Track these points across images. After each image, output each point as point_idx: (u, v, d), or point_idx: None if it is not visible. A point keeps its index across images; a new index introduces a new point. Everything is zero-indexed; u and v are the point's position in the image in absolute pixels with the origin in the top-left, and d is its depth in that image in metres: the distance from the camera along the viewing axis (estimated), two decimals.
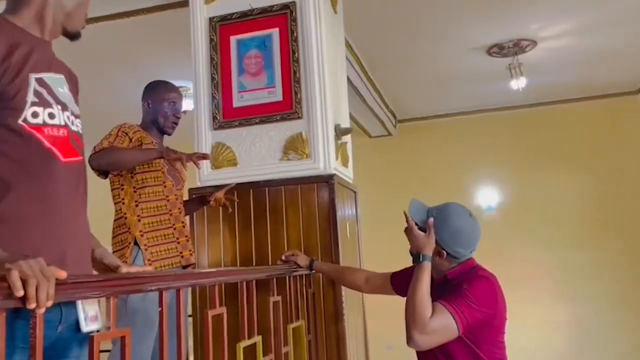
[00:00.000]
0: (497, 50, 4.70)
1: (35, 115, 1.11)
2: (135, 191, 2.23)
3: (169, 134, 2.48)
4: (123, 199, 2.24)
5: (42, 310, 0.82)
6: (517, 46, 4.63)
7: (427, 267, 1.77)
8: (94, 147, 2.19)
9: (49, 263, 1.07)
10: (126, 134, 2.26)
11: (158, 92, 2.46)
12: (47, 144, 1.12)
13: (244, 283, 1.70)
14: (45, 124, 1.12)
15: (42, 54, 1.19)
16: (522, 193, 6.33)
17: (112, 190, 2.30)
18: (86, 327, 1.14)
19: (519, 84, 4.90)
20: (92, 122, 4.62)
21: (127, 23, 3.47)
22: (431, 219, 1.81)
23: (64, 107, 1.19)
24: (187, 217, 2.47)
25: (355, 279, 2.23)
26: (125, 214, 2.21)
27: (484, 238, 6.01)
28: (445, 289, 1.80)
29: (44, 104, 1.13)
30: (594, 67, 5.24)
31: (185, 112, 3.08)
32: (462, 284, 1.75)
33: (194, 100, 2.80)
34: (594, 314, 5.92)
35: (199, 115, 2.72)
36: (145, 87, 2.53)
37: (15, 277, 0.78)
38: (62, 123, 1.16)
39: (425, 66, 5.12)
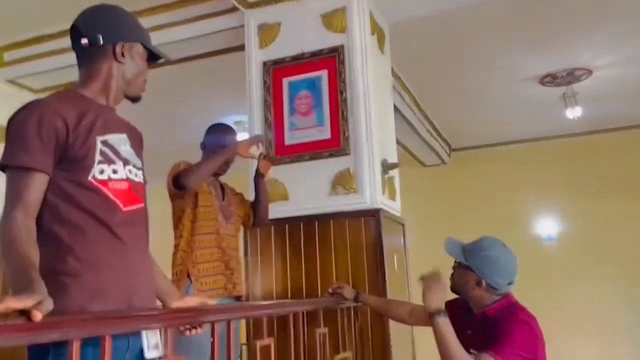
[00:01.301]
0: (551, 79, 4.68)
1: (101, 172, 1.30)
2: (193, 225, 2.41)
3: (221, 175, 2.63)
4: (182, 232, 2.41)
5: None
6: (571, 75, 4.59)
7: (442, 323, 1.82)
8: (171, 173, 2.38)
9: (119, 297, 1.24)
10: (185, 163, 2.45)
11: (214, 136, 2.62)
12: (111, 196, 1.30)
13: (291, 315, 1.81)
14: (110, 179, 1.31)
15: (106, 118, 1.38)
16: (582, 223, 6.14)
17: (174, 225, 2.48)
18: (148, 354, 1.29)
19: (574, 113, 4.84)
20: (161, 156, 4.94)
21: (191, 66, 3.74)
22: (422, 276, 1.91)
23: (126, 162, 1.37)
24: (240, 252, 2.61)
25: (400, 312, 2.29)
26: (184, 247, 2.39)
27: (543, 268, 5.95)
28: (486, 329, 1.84)
29: (109, 161, 1.32)
30: None
31: None
32: (504, 327, 1.78)
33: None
34: None
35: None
36: (207, 129, 2.70)
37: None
38: (124, 177, 1.35)
39: (477, 96, 5.14)
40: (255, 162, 2.69)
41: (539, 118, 5.70)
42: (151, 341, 1.27)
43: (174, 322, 1.20)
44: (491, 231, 6.12)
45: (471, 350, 1.86)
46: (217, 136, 2.61)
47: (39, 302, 0.89)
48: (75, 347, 0.93)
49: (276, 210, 2.79)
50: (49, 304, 0.91)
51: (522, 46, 4.12)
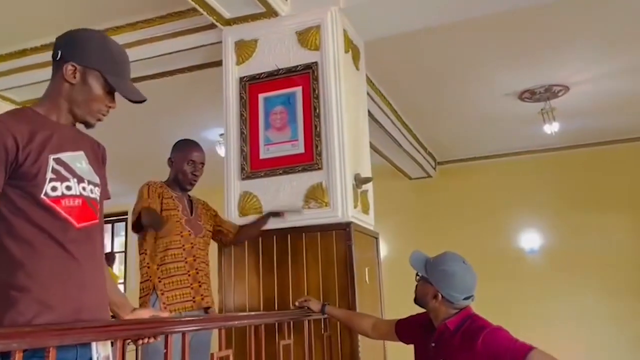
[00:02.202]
0: (529, 95, 4.78)
1: (54, 189, 1.33)
2: (155, 241, 2.45)
3: (188, 190, 2.67)
4: (146, 249, 2.46)
5: None
6: (549, 91, 4.68)
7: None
8: (132, 218, 2.42)
9: (67, 312, 1.28)
10: (154, 191, 2.49)
11: (181, 152, 2.66)
12: (63, 214, 1.34)
13: (253, 327, 1.85)
14: (63, 196, 1.35)
15: (61, 135, 1.41)
16: (565, 236, 6.23)
17: (138, 242, 2.52)
18: None
19: (552, 128, 4.93)
20: (147, 166, 4.94)
21: (174, 80, 3.80)
22: None
23: (81, 180, 1.41)
24: (208, 265, 2.65)
25: (363, 325, 2.33)
26: (148, 263, 2.43)
27: (526, 280, 6.00)
28: (448, 341, 1.91)
29: (62, 179, 1.36)
30: (628, 111, 5.19)
31: None
32: (478, 335, 1.82)
33: (224, 152, 3.04)
34: None
35: (229, 166, 2.95)
36: (173, 145, 2.74)
37: None
38: (78, 193, 1.38)
39: (459, 111, 5.23)
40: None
41: (520, 133, 5.79)
42: (101, 353, 1.31)
43: (120, 335, 1.24)
44: (475, 243, 6.26)
45: None
46: (183, 151, 2.65)
47: None
48: (18, 358, 0.98)
49: None
50: None
51: (501, 63, 4.21)
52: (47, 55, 3.69)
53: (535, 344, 1.76)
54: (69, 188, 1.36)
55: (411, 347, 2.15)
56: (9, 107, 4.09)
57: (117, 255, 8.59)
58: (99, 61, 1.44)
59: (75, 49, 1.45)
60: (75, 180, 1.39)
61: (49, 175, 1.33)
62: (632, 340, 5.73)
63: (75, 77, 1.43)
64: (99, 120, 1.48)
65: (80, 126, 1.50)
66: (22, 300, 1.24)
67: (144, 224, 2.36)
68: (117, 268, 8.77)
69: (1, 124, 1.31)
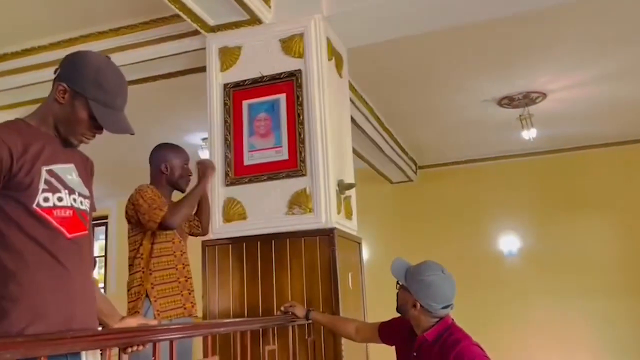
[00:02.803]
0: (508, 101, 4.87)
1: (46, 200, 1.36)
2: (152, 247, 2.47)
3: (184, 191, 2.71)
4: (142, 254, 2.47)
5: None
6: (527, 98, 4.79)
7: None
8: (152, 215, 2.43)
9: (58, 321, 1.29)
10: (154, 192, 2.52)
11: (177, 157, 2.70)
12: (55, 223, 1.37)
13: (238, 333, 1.88)
14: (55, 206, 1.38)
15: (53, 148, 1.45)
16: (543, 239, 6.36)
17: (131, 247, 2.53)
18: None
19: (529, 134, 5.03)
20: (131, 171, 4.92)
21: (158, 85, 3.80)
22: None
23: (71, 191, 1.44)
24: (190, 270, 2.67)
25: (347, 329, 2.37)
26: (143, 268, 2.44)
27: (505, 282, 6.11)
28: (428, 352, 1.95)
29: (53, 190, 1.39)
30: (604, 117, 5.34)
31: None
32: (450, 352, 1.86)
33: (209, 158, 3.05)
34: None
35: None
36: (157, 151, 2.75)
37: None
38: (69, 205, 1.41)
39: (440, 116, 5.31)
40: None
41: (499, 138, 5.90)
42: None
43: (111, 343, 1.26)
44: (456, 246, 6.35)
45: None
46: (178, 156, 2.69)
47: None
48: None
49: (234, 229, 2.87)
50: None
51: (481, 70, 4.30)
52: (26, 60, 3.69)
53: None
54: (60, 199, 1.39)
55: (393, 349, 2.20)
56: None
57: (96, 259, 8.50)
58: (87, 88, 1.46)
59: (70, 71, 1.48)
60: (67, 191, 1.42)
61: (42, 185, 1.36)
62: (611, 342, 5.87)
63: (64, 98, 1.46)
64: (82, 142, 1.50)
65: None
66: (14, 310, 1.26)
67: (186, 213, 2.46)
68: (97, 272, 8.69)
69: None
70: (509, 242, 6.52)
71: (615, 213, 6.09)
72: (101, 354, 1.25)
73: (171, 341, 1.47)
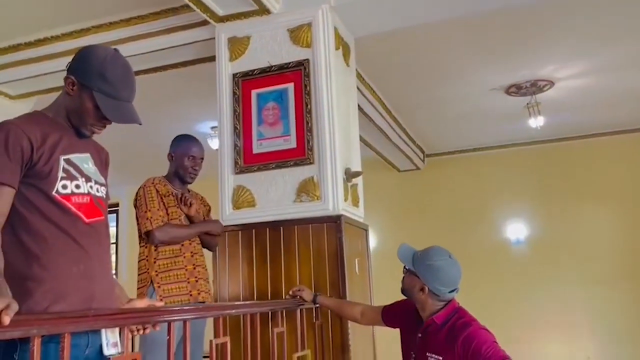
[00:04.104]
0: (515, 90, 4.88)
1: (64, 187, 1.44)
2: None
3: (189, 183, 2.78)
4: (147, 243, 2.55)
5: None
6: (535, 86, 4.79)
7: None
8: (143, 220, 2.52)
9: (79, 301, 1.38)
10: (156, 191, 2.58)
11: (180, 147, 2.76)
12: (74, 209, 1.45)
13: (249, 315, 1.95)
14: (73, 193, 1.46)
15: (69, 138, 1.53)
16: (551, 227, 6.38)
17: (139, 234, 2.61)
18: (107, 351, 1.43)
19: (537, 122, 5.04)
20: (139, 158, 5.02)
21: (168, 75, 3.86)
22: None
23: (88, 179, 1.52)
24: (203, 259, 2.75)
25: (353, 313, 2.45)
26: (147, 256, 2.53)
27: (512, 270, 6.13)
28: (435, 335, 2.01)
29: (71, 177, 1.47)
30: (612, 105, 5.33)
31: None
32: (459, 335, 1.93)
33: (218, 147, 3.12)
34: (622, 353, 5.84)
35: (222, 161, 3.03)
36: (172, 140, 2.84)
37: None
38: (86, 192, 1.49)
39: (447, 105, 5.33)
40: None
41: (506, 126, 5.91)
42: (110, 339, 1.41)
43: (129, 322, 1.33)
44: (462, 234, 6.38)
45: (427, 354, 2.02)
46: (183, 147, 2.75)
47: (6, 306, 1.02)
48: (36, 344, 1.06)
49: (243, 216, 2.93)
50: (14, 307, 1.04)
51: (489, 58, 4.31)
52: (41, 50, 3.75)
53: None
54: (77, 186, 1.47)
55: (399, 331, 2.27)
56: (3, 101, 4.15)
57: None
58: (93, 80, 1.51)
59: (78, 64, 1.55)
60: (84, 179, 1.50)
61: (60, 174, 1.44)
62: (616, 330, 5.90)
63: (72, 90, 1.53)
64: (94, 132, 1.56)
65: None
66: (38, 290, 1.34)
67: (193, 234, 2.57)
68: None
69: (17, 127, 1.41)
70: (516, 231, 6.55)
71: (623, 201, 6.10)
72: (120, 331, 1.32)
73: (184, 321, 1.54)
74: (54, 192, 1.42)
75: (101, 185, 1.56)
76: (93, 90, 1.50)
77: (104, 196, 1.57)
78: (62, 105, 1.56)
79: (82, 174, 1.50)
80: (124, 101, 1.55)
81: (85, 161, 1.54)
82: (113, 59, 1.55)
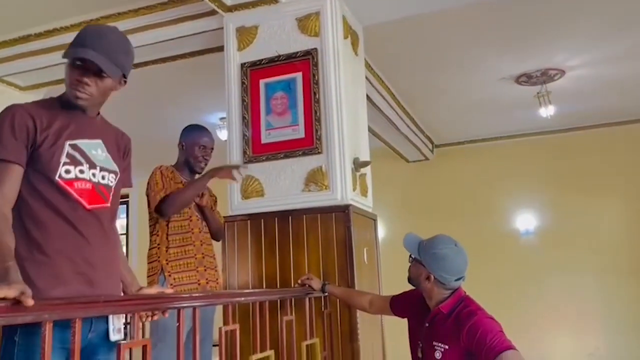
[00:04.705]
0: (526, 79, 4.84)
1: (67, 172, 1.45)
2: (167, 224, 2.56)
3: (199, 173, 2.79)
4: (158, 231, 2.57)
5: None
6: (545, 75, 4.75)
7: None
8: (151, 200, 2.53)
9: (78, 287, 1.38)
10: (160, 174, 2.60)
11: (191, 137, 2.78)
12: (75, 195, 1.45)
13: (257, 304, 1.96)
14: (76, 178, 1.46)
15: (80, 124, 1.53)
16: (560, 218, 6.34)
17: (149, 224, 2.64)
18: (113, 336, 1.45)
19: (547, 112, 5.00)
20: (149, 149, 5.04)
21: (176, 65, 3.86)
22: None
23: (93, 166, 1.51)
24: (213, 248, 2.77)
25: (361, 302, 2.46)
26: (158, 244, 2.55)
27: (521, 261, 6.10)
28: (442, 324, 2.01)
29: (75, 163, 1.47)
30: (623, 95, 5.27)
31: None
32: (465, 323, 1.92)
33: (227, 136, 3.12)
34: (631, 345, 5.81)
35: (231, 151, 3.04)
36: (182, 130, 2.86)
37: None
38: (88, 178, 1.49)
39: (457, 95, 5.30)
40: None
41: (516, 116, 5.87)
42: (116, 325, 1.43)
43: (139, 308, 1.35)
44: (471, 225, 6.35)
45: (433, 343, 2.02)
46: (194, 136, 2.76)
47: (22, 292, 1.04)
48: (48, 329, 1.08)
49: (252, 206, 2.94)
50: (29, 292, 1.06)
51: (499, 47, 4.27)
52: (51, 41, 3.76)
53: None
54: (81, 172, 1.47)
55: (406, 320, 2.27)
56: (14, 92, 4.18)
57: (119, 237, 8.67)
58: (69, 50, 1.52)
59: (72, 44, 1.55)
60: (88, 165, 1.49)
61: (63, 159, 1.45)
62: (625, 321, 5.87)
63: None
64: (78, 97, 1.50)
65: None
66: (37, 274, 1.36)
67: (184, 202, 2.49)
68: None
69: (22, 109, 1.44)
70: (525, 222, 6.51)
71: (634, 192, 6.04)
72: (131, 318, 1.33)
73: (194, 308, 1.55)
74: (56, 177, 1.43)
75: (111, 172, 1.56)
76: (67, 53, 1.51)
77: (112, 184, 1.56)
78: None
79: (88, 160, 1.50)
80: (79, 47, 1.52)
81: (94, 147, 1.54)
82: (92, 26, 1.60)
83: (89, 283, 1.42)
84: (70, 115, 1.52)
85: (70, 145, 1.48)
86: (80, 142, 1.50)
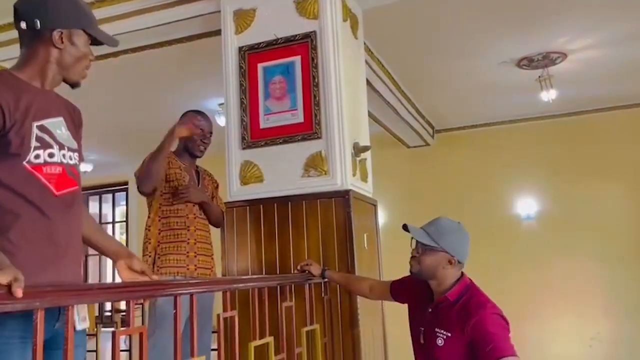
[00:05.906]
0: (527, 62, 4.78)
1: (37, 157, 1.37)
2: (160, 207, 2.54)
3: (199, 156, 2.77)
4: (151, 215, 2.56)
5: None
6: (547, 58, 4.69)
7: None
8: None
9: (47, 275, 1.35)
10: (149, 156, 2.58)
11: (185, 119, 2.74)
12: (43, 180, 1.38)
13: (256, 290, 1.94)
14: (45, 163, 1.39)
15: (42, 101, 1.43)
16: (561, 203, 6.31)
17: (148, 207, 2.62)
18: (79, 325, 1.41)
19: (549, 95, 4.95)
20: (146, 136, 4.99)
21: (172, 50, 3.81)
22: None
23: (61, 147, 1.44)
24: (209, 236, 2.75)
25: (361, 287, 2.43)
26: (150, 226, 2.55)
27: (522, 246, 6.08)
28: (447, 311, 1.98)
29: (45, 146, 1.39)
30: (626, 78, 5.21)
31: None
32: (472, 316, 1.88)
33: (225, 122, 3.08)
34: (632, 330, 5.82)
35: (229, 136, 3.00)
36: (181, 115, 2.82)
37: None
38: (59, 161, 1.42)
39: (457, 79, 5.24)
40: None
41: (518, 100, 5.81)
42: (81, 314, 1.39)
43: (135, 295, 1.32)
44: (472, 210, 6.33)
45: (436, 329, 1.99)
46: (191, 120, 2.72)
47: (14, 278, 0.99)
48: (40, 316, 1.05)
49: (251, 192, 2.91)
50: (21, 278, 1.01)
51: (500, 30, 4.20)
52: None
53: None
54: (51, 155, 1.40)
55: (406, 306, 2.25)
56: None
57: (117, 224, 8.68)
58: (78, 20, 1.47)
59: (52, 14, 1.45)
60: (57, 147, 1.42)
61: (33, 143, 1.37)
62: (627, 307, 5.87)
63: (62, 42, 1.44)
64: (84, 77, 1.49)
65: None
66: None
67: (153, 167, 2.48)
68: (118, 237, 8.89)
69: None
70: (526, 206, 6.49)
71: (636, 177, 6.00)
72: (126, 304, 1.30)
73: (192, 295, 1.53)
74: (24, 163, 1.35)
75: (74, 151, 1.49)
76: (85, 30, 1.46)
77: (77, 163, 1.50)
78: (48, 65, 1.45)
79: (56, 141, 1.42)
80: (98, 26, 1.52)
81: (58, 126, 1.45)
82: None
83: (59, 272, 1.38)
84: (33, 92, 1.42)
85: (37, 127, 1.39)
86: (46, 122, 1.41)
